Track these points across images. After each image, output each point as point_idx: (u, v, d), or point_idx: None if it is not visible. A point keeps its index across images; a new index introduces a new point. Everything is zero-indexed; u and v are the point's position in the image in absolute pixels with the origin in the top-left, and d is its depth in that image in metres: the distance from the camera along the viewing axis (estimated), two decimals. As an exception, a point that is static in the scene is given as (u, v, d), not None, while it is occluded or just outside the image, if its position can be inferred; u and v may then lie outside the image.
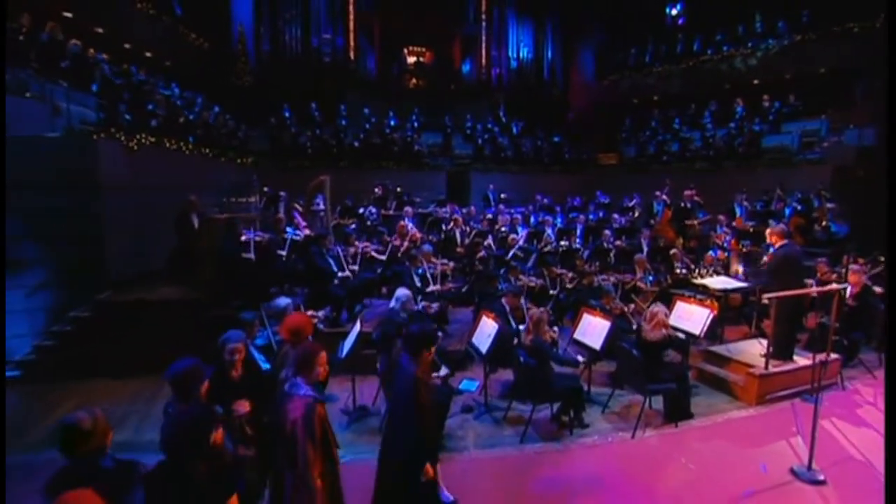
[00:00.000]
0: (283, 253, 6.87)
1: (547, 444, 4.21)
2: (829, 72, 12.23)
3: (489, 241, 8.19)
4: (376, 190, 10.52)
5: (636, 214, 10.77)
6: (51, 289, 6.02)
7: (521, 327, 4.79)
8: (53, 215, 5.93)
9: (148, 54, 11.75)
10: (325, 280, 6.12)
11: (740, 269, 5.71)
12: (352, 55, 15.54)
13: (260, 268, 6.30)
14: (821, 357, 3.93)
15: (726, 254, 7.75)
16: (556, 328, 4.96)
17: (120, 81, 7.89)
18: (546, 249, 8.07)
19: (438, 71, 16.94)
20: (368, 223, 9.14)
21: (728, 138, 12.43)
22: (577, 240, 9.00)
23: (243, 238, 6.46)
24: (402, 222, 8.02)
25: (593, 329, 4.78)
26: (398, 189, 10.77)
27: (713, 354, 5.54)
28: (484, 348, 4.57)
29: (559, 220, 10.30)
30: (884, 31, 9.64)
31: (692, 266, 7.45)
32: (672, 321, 4.83)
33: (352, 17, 15.48)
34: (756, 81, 13.57)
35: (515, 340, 4.76)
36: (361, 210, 9.63)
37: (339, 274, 6.26)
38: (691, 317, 5.03)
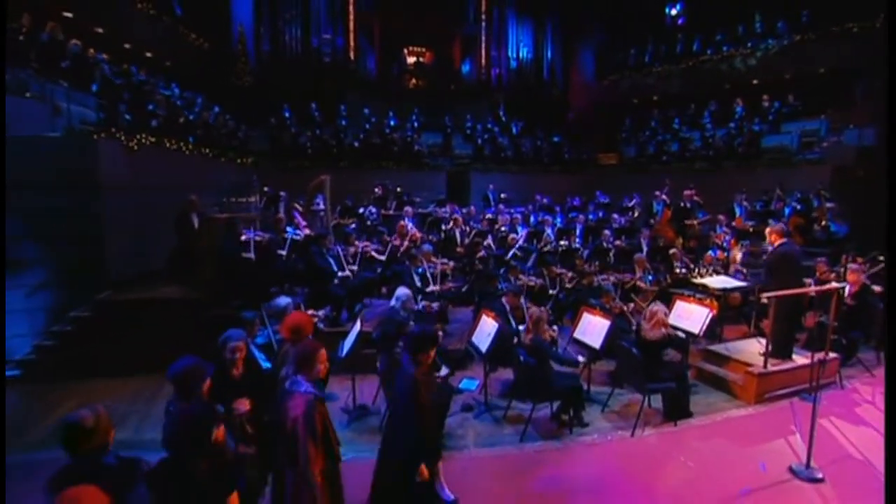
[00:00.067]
0: (283, 253, 6.88)
1: (547, 443, 4.22)
2: (828, 72, 12.25)
3: (489, 240, 8.20)
4: (376, 190, 10.53)
5: (636, 214, 10.79)
6: (51, 289, 6.03)
7: (521, 327, 4.80)
8: (53, 215, 5.93)
9: (148, 54, 11.76)
10: (326, 280, 6.13)
11: (739, 256, 5.73)
12: (352, 55, 15.55)
13: (260, 267, 6.31)
14: (819, 356, 3.95)
15: (726, 253, 7.76)
16: (555, 327, 4.97)
17: (120, 81, 7.91)
18: (546, 249, 8.08)
19: (438, 71, 16.96)
20: (368, 223, 9.16)
21: (728, 138, 12.45)
22: (577, 239, 9.01)
23: (243, 238, 6.47)
24: (401, 222, 8.03)
25: (593, 328, 4.79)
26: (398, 189, 10.78)
27: (712, 353, 5.55)
28: (484, 347, 4.58)
29: (559, 219, 10.31)
30: (883, 30, 9.67)
31: (692, 266, 7.46)
32: (671, 320, 4.84)
33: (352, 17, 15.49)
34: (756, 81, 13.59)
35: (515, 340, 4.77)
36: (361, 210, 9.64)
37: (340, 273, 6.26)
38: (691, 316, 5.04)
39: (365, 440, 4.14)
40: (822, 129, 11.48)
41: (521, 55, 17.18)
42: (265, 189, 9.25)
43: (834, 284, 5.18)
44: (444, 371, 4.31)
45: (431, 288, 6.16)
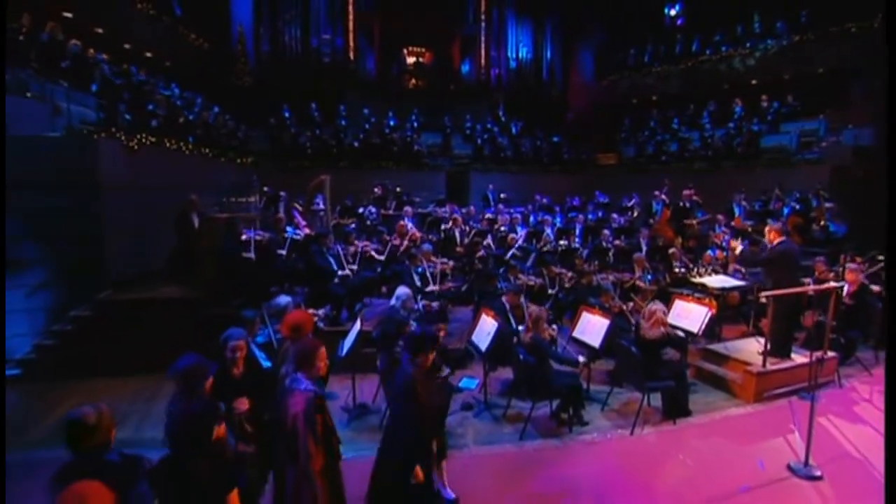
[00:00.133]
0: (283, 252, 6.89)
1: (546, 441, 4.24)
2: (827, 72, 12.27)
3: (488, 240, 8.22)
4: (376, 190, 10.54)
5: (635, 214, 10.80)
6: (51, 288, 6.03)
7: (521, 328, 4.81)
8: (53, 215, 5.94)
9: (148, 54, 11.77)
10: (326, 279, 6.14)
11: (739, 248, 5.75)
12: (351, 55, 15.56)
13: (260, 267, 6.32)
14: (818, 355, 3.96)
15: (725, 253, 7.77)
16: (555, 326, 4.98)
17: (120, 81, 7.92)
18: (545, 249, 8.10)
19: (438, 71, 16.97)
20: (368, 223, 9.17)
21: (727, 138, 12.47)
22: (577, 239, 9.02)
23: (243, 237, 6.48)
24: (401, 222, 8.03)
25: (592, 327, 4.81)
26: (398, 189, 10.79)
27: (711, 352, 5.57)
28: (483, 346, 4.59)
29: (558, 219, 10.32)
30: (882, 30, 9.68)
31: (691, 265, 7.48)
32: (670, 319, 4.85)
33: (351, 17, 15.50)
34: (754, 81, 13.62)
35: (515, 339, 4.78)
36: (361, 210, 9.64)
37: (340, 272, 6.28)
38: (690, 315, 5.06)
39: (365, 439, 4.16)
40: (820, 129, 11.51)
41: (520, 55, 17.20)
42: (265, 189, 9.25)
43: (832, 284, 5.20)
44: (445, 371, 4.31)
45: (431, 287, 6.18)
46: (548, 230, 8.94)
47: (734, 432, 4.35)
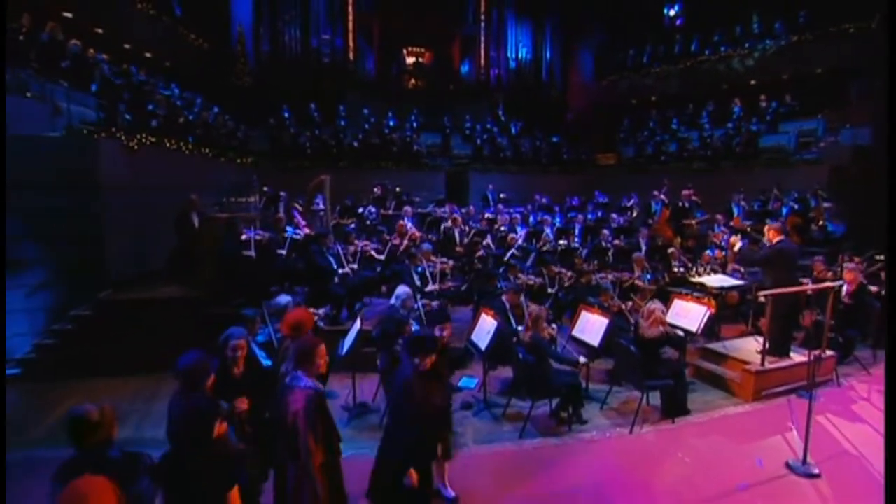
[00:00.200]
0: (283, 252, 6.90)
1: (546, 440, 4.25)
2: (825, 72, 12.30)
3: (488, 240, 8.24)
4: (375, 190, 10.56)
5: (634, 214, 10.82)
6: (51, 288, 6.05)
7: (521, 328, 4.82)
8: (53, 215, 5.95)
9: (148, 55, 11.77)
10: (326, 278, 6.15)
11: (738, 245, 5.78)
12: (351, 56, 15.57)
13: (260, 267, 6.33)
14: (816, 354, 3.98)
15: (724, 252, 7.79)
16: (554, 325, 4.99)
17: (120, 81, 7.92)
18: (545, 249, 8.11)
19: (437, 71, 16.98)
20: (368, 223, 9.18)
21: (726, 138, 12.50)
22: (576, 239, 9.04)
23: (243, 237, 6.49)
24: (401, 221, 8.05)
25: (591, 326, 4.83)
26: (397, 189, 10.80)
27: (710, 352, 5.59)
28: (483, 345, 4.61)
29: (558, 219, 10.34)
30: (882, 30, 9.71)
31: (690, 265, 7.50)
32: (669, 319, 4.87)
33: (351, 17, 15.51)
34: (753, 82, 13.64)
35: (515, 339, 4.79)
36: (361, 210, 9.66)
37: (340, 271, 6.29)
38: (688, 314, 5.08)
39: (365, 437, 4.17)
40: (819, 129, 11.53)
41: (520, 56, 17.21)
42: (265, 189, 9.26)
43: (829, 283, 5.22)
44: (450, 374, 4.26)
45: (431, 287, 6.19)
46: (547, 230, 8.96)
47: (733, 431, 4.37)
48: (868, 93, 10.54)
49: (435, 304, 5.82)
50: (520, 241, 8.04)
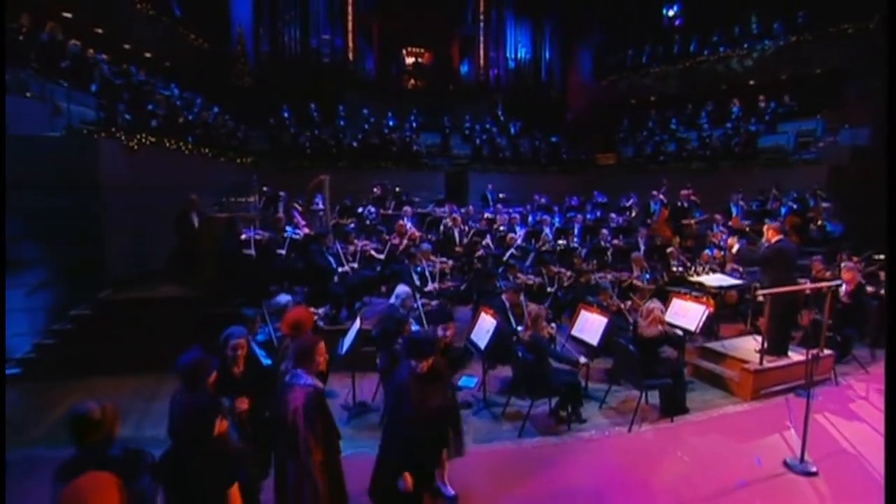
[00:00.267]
0: (283, 252, 6.91)
1: (545, 439, 4.27)
2: (824, 72, 12.32)
3: (487, 240, 8.25)
4: (375, 190, 10.57)
5: (633, 214, 10.84)
6: (51, 288, 6.05)
7: (520, 328, 4.83)
8: (53, 215, 5.96)
9: (147, 55, 11.78)
10: (325, 278, 6.17)
11: (736, 246, 5.80)
12: (350, 56, 15.58)
13: (260, 266, 6.34)
14: (814, 353, 3.99)
15: (722, 252, 7.82)
16: (553, 325, 5.01)
17: (119, 81, 7.93)
18: (544, 248, 8.13)
19: (437, 71, 16.99)
20: (367, 222, 9.19)
21: (724, 138, 12.51)
22: (575, 239, 9.06)
23: (243, 237, 6.50)
24: (400, 221, 8.07)
25: (590, 325, 4.84)
26: (397, 189, 10.81)
27: (709, 351, 5.60)
28: (483, 344, 4.62)
29: (557, 219, 10.35)
30: (881, 31, 9.73)
31: (688, 264, 7.52)
32: (668, 318, 4.88)
33: (350, 17, 15.52)
34: (752, 82, 13.66)
35: (514, 338, 4.81)
36: (360, 209, 9.67)
37: (339, 269, 6.30)
38: (687, 313, 5.08)
39: (365, 436, 4.18)
40: (818, 130, 11.55)
41: (519, 56, 17.23)
42: (265, 189, 9.27)
43: (826, 283, 5.24)
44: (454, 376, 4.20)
45: (430, 286, 6.20)
46: (546, 230, 8.98)
47: (731, 429, 4.38)
48: (866, 93, 10.56)
49: (434, 303, 5.84)
50: (519, 241, 8.05)
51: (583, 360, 4.53)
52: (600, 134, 16.58)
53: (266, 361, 3.51)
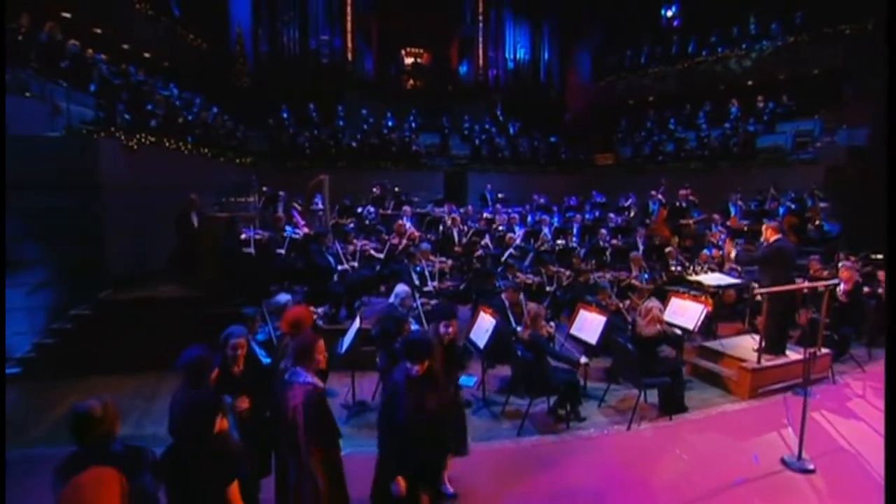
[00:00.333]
0: (282, 252, 6.93)
1: (544, 437, 4.28)
2: (821, 73, 12.36)
3: (486, 240, 8.27)
4: (374, 190, 10.58)
5: (632, 214, 10.86)
6: (51, 288, 6.06)
7: (519, 328, 4.84)
8: (54, 215, 5.97)
9: (147, 55, 11.77)
10: (325, 277, 6.18)
11: (734, 252, 5.83)
12: (350, 56, 15.60)
13: (259, 266, 6.35)
14: (811, 351, 4.02)
15: (721, 251, 7.85)
16: (552, 323, 5.03)
17: (118, 81, 7.93)
18: (543, 248, 8.15)
19: (436, 72, 17.01)
20: (367, 222, 9.21)
21: (723, 138, 12.55)
22: (574, 239, 9.08)
23: (243, 236, 6.51)
24: (400, 221, 8.08)
25: (589, 324, 4.86)
26: (396, 189, 10.83)
27: (707, 350, 5.63)
28: (482, 343, 4.63)
29: (556, 219, 10.37)
30: (879, 31, 9.76)
31: (687, 264, 7.54)
32: (667, 317, 4.91)
33: (349, 18, 15.54)
34: (750, 82, 13.69)
35: (514, 337, 4.82)
36: (360, 209, 9.68)
37: (339, 267, 6.32)
38: (685, 312, 5.11)
39: (364, 435, 4.19)
40: (815, 130, 11.59)
41: (518, 56, 17.26)
42: (264, 189, 9.29)
43: (823, 282, 5.27)
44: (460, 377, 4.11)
45: (429, 286, 6.22)
46: (545, 230, 9.00)
47: (729, 427, 4.41)
48: (864, 94, 10.60)
49: (434, 302, 5.86)
50: (518, 241, 8.08)
51: (583, 359, 4.54)
52: (599, 134, 16.61)
53: (266, 360, 3.52)
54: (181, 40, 13.18)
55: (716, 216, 9.38)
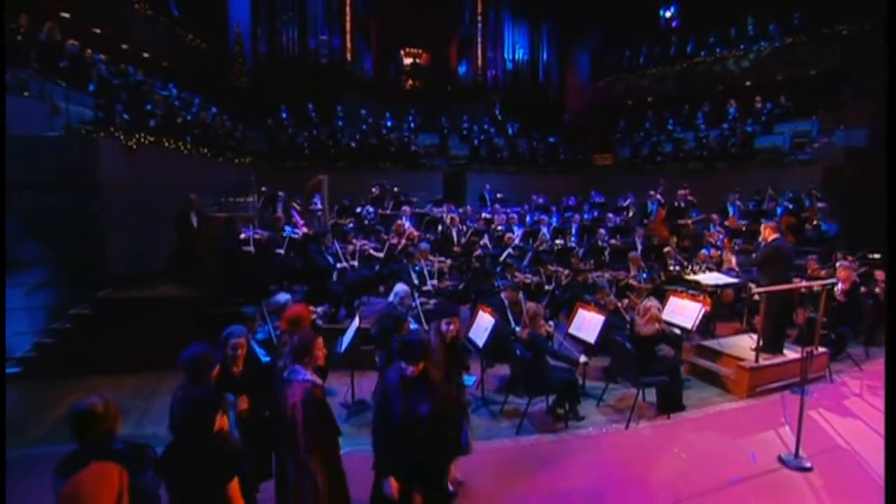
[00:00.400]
0: (282, 251, 6.94)
1: (543, 436, 4.30)
2: (819, 74, 12.40)
3: (485, 239, 8.29)
4: (373, 190, 10.60)
5: (630, 214, 10.89)
6: (51, 287, 6.06)
7: (518, 328, 4.85)
8: (53, 215, 5.97)
9: (146, 55, 11.78)
10: (324, 277, 6.19)
11: (734, 259, 5.86)
12: (348, 56, 15.61)
13: (259, 265, 6.36)
14: (809, 350, 4.04)
15: (719, 252, 7.87)
16: (551, 323, 5.04)
17: (117, 81, 7.94)
18: (542, 248, 8.17)
19: (435, 72, 17.03)
20: (366, 222, 9.22)
21: (721, 139, 12.58)
22: (573, 238, 9.10)
23: (242, 236, 6.52)
24: (399, 221, 8.10)
25: (588, 324, 4.88)
26: (395, 189, 10.85)
27: (705, 349, 5.65)
28: (481, 342, 4.64)
29: (555, 219, 10.38)
30: (878, 31, 9.78)
31: (685, 264, 7.57)
32: (665, 316, 4.92)
33: (348, 18, 15.55)
34: (748, 83, 13.73)
35: (513, 336, 4.83)
36: (359, 209, 9.70)
37: (338, 265, 6.33)
38: (684, 311, 5.12)
39: (364, 434, 4.18)
40: (813, 130, 11.62)
41: (517, 57, 17.29)
42: (263, 189, 9.29)
43: (821, 281, 5.29)
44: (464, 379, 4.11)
45: (429, 285, 6.23)
46: (544, 229, 9.02)
47: (727, 426, 4.43)
48: (861, 94, 10.64)
49: (433, 302, 5.88)
50: (517, 241, 8.10)
51: (583, 358, 4.56)
52: (597, 134, 16.64)
53: (265, 359, 3.53)
54: (180, 40, 13.19)
55: (714, 216, 9.41)
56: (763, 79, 13.39)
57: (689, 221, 9.79)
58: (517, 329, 4.88)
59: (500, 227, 8.99)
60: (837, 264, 6.52)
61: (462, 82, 17.02)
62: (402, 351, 2.68)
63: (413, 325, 4.38)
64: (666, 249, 7.94)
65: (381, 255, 7.27)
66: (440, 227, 8.75)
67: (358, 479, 2.96)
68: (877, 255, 7.55)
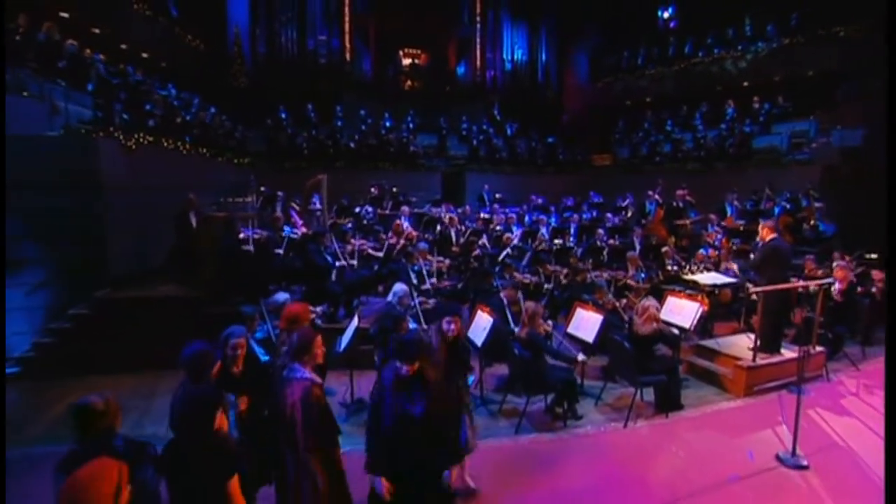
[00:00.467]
0: (281, 251, 6.94)
1: (541, 435, 4.32)
2: (816, 74, 12.44)
3: (484, 239, 8.31)
4: (372, 190, 10.61)
5: (629, 214, 10.92)
6: (50, 287, 6.05)
7: (517, 328, 4.86)
8: (54, 215, 5.97)
9: (144, 55, 11.77)
10: (323, 277, 6.20)
11: (735, 266, 5.88)
12: (347, 57, 15.63)
13: (258, 265, 6.37)
14: (806, 350, 4.06)
15: (717, 252, 7.90)
16: (550, 322, 5.06)
17: (116, 81, 7.94)
18: (540, 248, 8.19)
19: (433, 73, 17.05)
20: (365, 222, 9.23)
21: (719, 139, 12.61)
22: (571, 238, 9.13)
23: (241, 236, 6.53)
24: (397, 221, 8.11)
25: (586, 323, 4.89)
26: (394, 189, 10.86)
27: (703, 348, 5.67)
28: (479, 342, 4.66)
29: (553, 219, 10.41)
30: (880, 31, 9.82)
31: (683, 263, 7.59)
32: (663, 315, 4.95)
33: (347, 18, 15.57)
34: (746, 83, 13.77)
35: (511, 336, 4.85)
36: (358, 209, 9.71)
37: (337, 264, 6.33)
38: (682, 311, 5.15)
39: (363, 433, 4.18)
40: (811, 131, 11.66)
41: (515, 57, 17.32)
42: (262, 189, 9.30)
43: (818, 281, 5.31)
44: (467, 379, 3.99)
45: (427, 285, 6.25)
46: (543, 230, 9.04)
47: (725, 425, 4.45)
48: (858, 95, 10.69)
49: (431, 301, 5.89)
50: (515, 241, 8.12)
51: (581, 357, 4.57)
52: (596, 135, 16.67)
53: (264, 358, 3.54)
54: (179, 40, 13.19)
55: (712, 216, 9.44)
56: (761, 79, 13.43)
57: (688, 221, 9.82)
58: (516, 328, 4.89)
59: (498, 227, 9.01)
60: (834, 264, 6.55)
61: (461, 83, 17.04)
62: (397, 350, 2.67)
63: (412, 325, 4.40)
64: (664, 249, 7.96)
65: (380, 254, 7.28)
66: (439, 227, 8.76)
67: (358, 479, 2.96)
68: (874, 255, 7.59)
